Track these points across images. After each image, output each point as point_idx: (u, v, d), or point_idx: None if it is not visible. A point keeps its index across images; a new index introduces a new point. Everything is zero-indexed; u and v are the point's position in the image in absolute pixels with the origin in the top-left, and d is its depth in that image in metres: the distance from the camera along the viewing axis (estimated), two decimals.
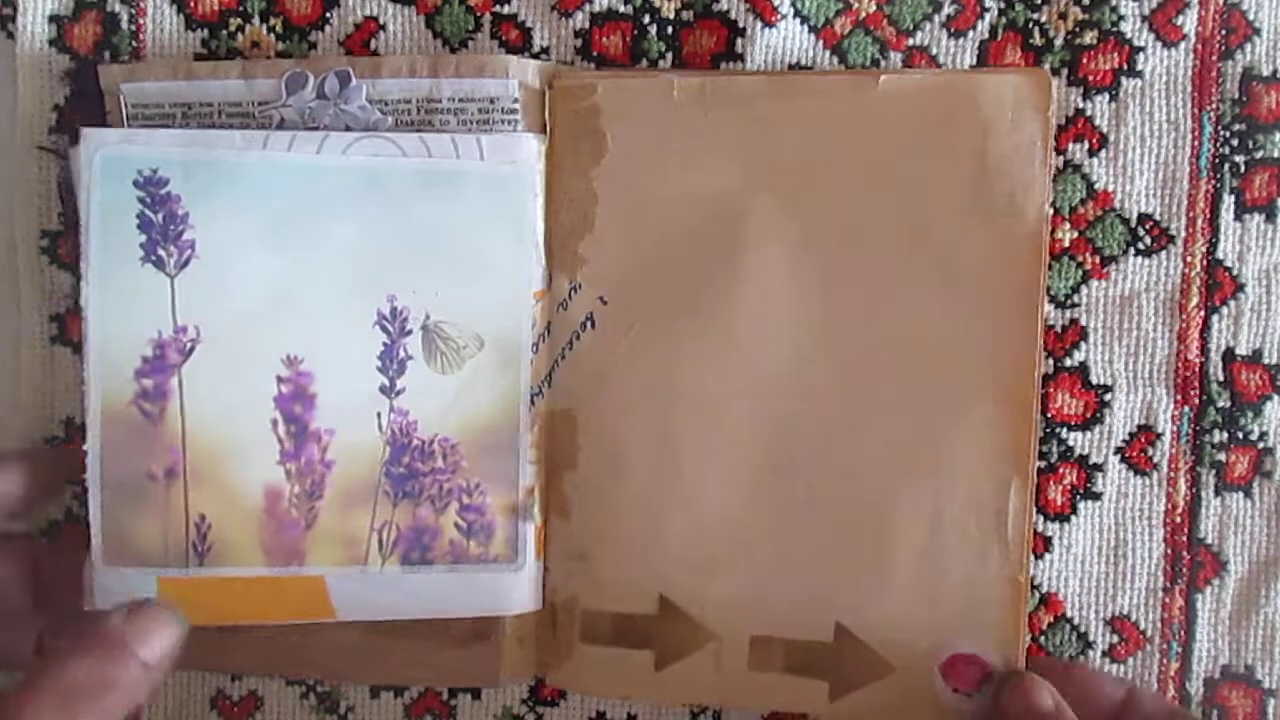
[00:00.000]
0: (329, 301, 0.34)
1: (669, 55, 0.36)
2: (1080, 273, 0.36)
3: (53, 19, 0.36)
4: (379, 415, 0.35)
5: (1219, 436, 0.36)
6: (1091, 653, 0.36)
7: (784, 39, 0.36)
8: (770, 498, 0.35)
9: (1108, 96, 0.36)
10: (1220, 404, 0.36)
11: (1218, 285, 0.36)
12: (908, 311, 0.34)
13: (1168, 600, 0.36)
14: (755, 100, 0.34)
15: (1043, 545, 0.36)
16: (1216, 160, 0.36)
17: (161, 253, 0.34)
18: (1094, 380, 0.36)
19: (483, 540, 0.35)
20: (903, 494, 0.34)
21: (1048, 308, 0.36)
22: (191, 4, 0.37)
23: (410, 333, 0.35)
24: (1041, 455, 0.36)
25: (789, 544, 0.35)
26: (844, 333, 0.34)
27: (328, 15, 0.37)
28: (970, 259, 0.34)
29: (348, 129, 0.34)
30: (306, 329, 0.34)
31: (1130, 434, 0.36)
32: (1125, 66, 0.36)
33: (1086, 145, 0.36)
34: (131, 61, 0.36)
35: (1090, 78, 0.36)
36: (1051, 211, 0.33)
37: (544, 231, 0.35)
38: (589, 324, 0.35)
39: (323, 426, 0.34)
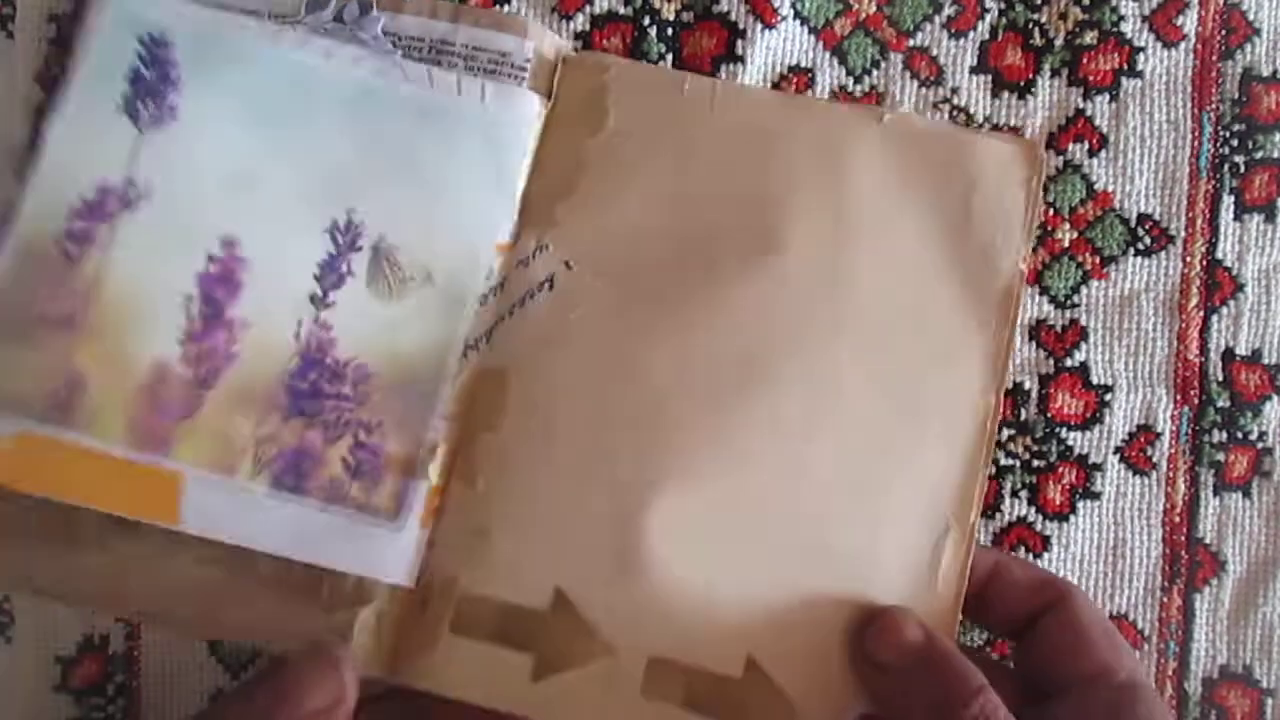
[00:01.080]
0: (287, 197, 0.33)
1: (669, 56, 0.36)
2: (1080, 273, 0.36)
3: (52, 18, 0.36)
4: (299, 322, 0.33)
5: (1218, 436, 0.36)
6: None
7: (784, 40, 0.36)
8: (702, 504, 0.32)
9: (1108, 96, 0.36)
10: (1220, 404, 0.36)
11: (1217, 285, 0.36)
12: (873, 344, 0.33)
13: (1166, 600, 0.36)
14: (761, 112, 0.34)
15: (1041, 544, 0.36)
16: (1216, 160, 0.36)
17: (141, 107, 0.33)
18: (1094, 380, 0.36)
19: (367, 485, 0.32)
20: (838, 528, 0.32)
21: (1047, 307, 0.36)
22: None
23: (359, 249, 0.33)
24: (1041, 455, 0.36)
25: (713, 558, 0.32)
26: (804, 354, 0.33)
27: None
28: (940, 307, 0.33)
29: None
30: (254, 216, 0.33)
31: (1130, 434, 0.36)
32: (1125, 66, 0.36)
33: (1086, 145, 0.36)
34: None
35: (1090, 78, 0.36)
36: (1025, 271, 0.33)
37: (523, 190, 0.34)
38: (548, 285, 0.33)
39: (239, 316, 0.32)
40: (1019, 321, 0.34)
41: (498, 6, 0.36)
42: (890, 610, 0.31)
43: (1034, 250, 0.36)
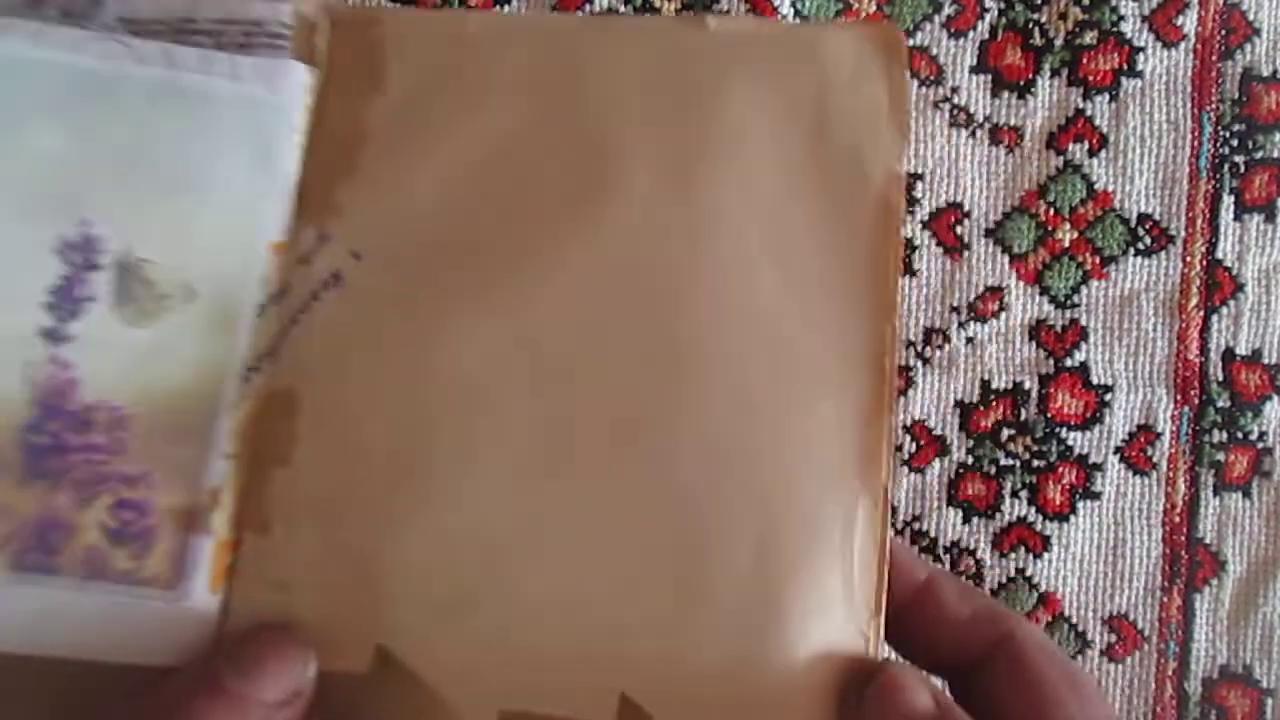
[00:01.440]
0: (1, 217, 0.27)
1: None
2: (1080, 273, 0.36)
3: None
4: (27, 364, 0.27)
5: (1218, 436, 0.36)
6: (1090, 651, 0.36)
7: None
8: (544, 512, 0.26)
9: (1108, 96, 0.36)
10: (1220, 404, 0.36)
11: (1217, 285, 0.36)
12: (732, 284, 0.27)
13: (1166, 600, 0.36)
14: (566, 42, 0.29)
15: (1041, 544, 0.36)
16: (1216, 160, 0.36)
17: None
18: (1094, 380, 0.36)
19: (136, 551, 0.26)
20: (719, 516, 0.26)
21: (1047, 307, 0.36)
22: None
23: (99, 267, 0.27)
24: (1041, 455, 0.36)
25: (565, 576, 0.26)
26: (652, 318, 0.27)
27: None
28: (809, 234, 0.28)
29: None
30: None
31: (1130, 434, 0.36)
32: (1125, 66, 0.36)
33: (1086, 145, 0.36)
34: None
35: (1090, 78, 0.36)
36: (903, 175, 0.28)
37: (297, 176, 0.29)
38: (335, 283, 0.28)
39: None
40: (901, 228, 0.28)
41: (497, 7, 0.36)
42: (891, 670, 0.25)
43: (1033, 248, 0.36)
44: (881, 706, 0.24)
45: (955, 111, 0.36)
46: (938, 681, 0.27)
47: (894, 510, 0.36)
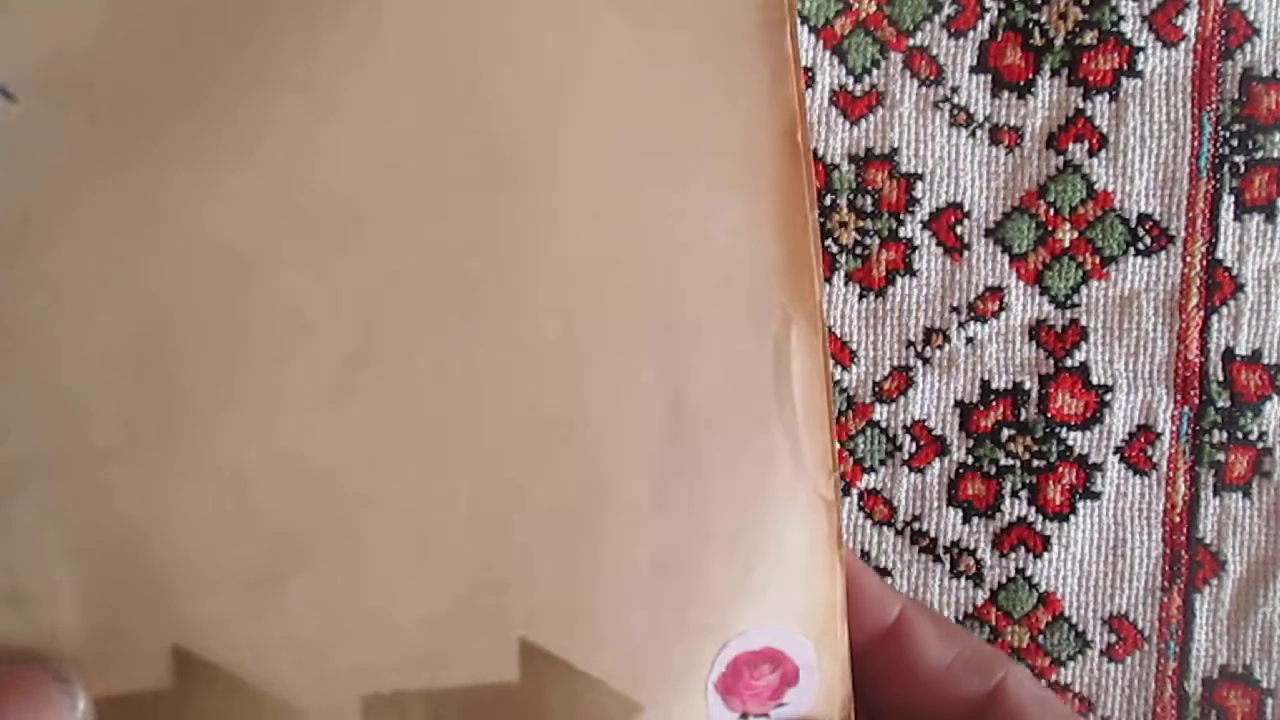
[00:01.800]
0: None
1: None
2: (1080, 273, 0.36)
3: None
4: None
5: (1218, 436, 0.36)
6: (1090, 652, 0.36)
7: None
8: (367, 424, 0.19)
9: (1108, 96, 0.36)
10: (1220, 404, 0.36)
11: (1217, 285, 0.36)
12: (564, 51, 0.20)
13: (1166, 600, 0.36)
14: None
15: (1041, 544, 0.36)
16: (1216, 160, 0.36)
17: None
18: (1094, 380, 0.36)
19: None
20: (606, 382, 0.20)
21: (1047, 307, 0.36)
22: None
23: None
24: (1041, 455, 0.36)
25: (414, 505, 0.19)
26: (459, 110, 0.19)
27: None
28: None
29: None
30: None
31: (1130, 434, 0.36)
32: (1125, 66, 0.36)
33: (1086, 145, 0.36)
34: None
35: (1090, 78, 0.36)
36: None
37: None
38: None
39: None
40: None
41: None
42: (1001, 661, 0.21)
43: (1033, 248, 0.36)
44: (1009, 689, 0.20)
45: (955, 111, 0.36)
46: None
47: (890, 504, 0.36)
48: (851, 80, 0.36)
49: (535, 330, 0.19)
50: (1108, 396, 0.36)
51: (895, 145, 0.36)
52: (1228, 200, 0.36)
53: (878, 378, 0.36)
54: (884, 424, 0.36)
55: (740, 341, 0.20)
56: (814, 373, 0.20)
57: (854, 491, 0.36)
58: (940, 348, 0.36)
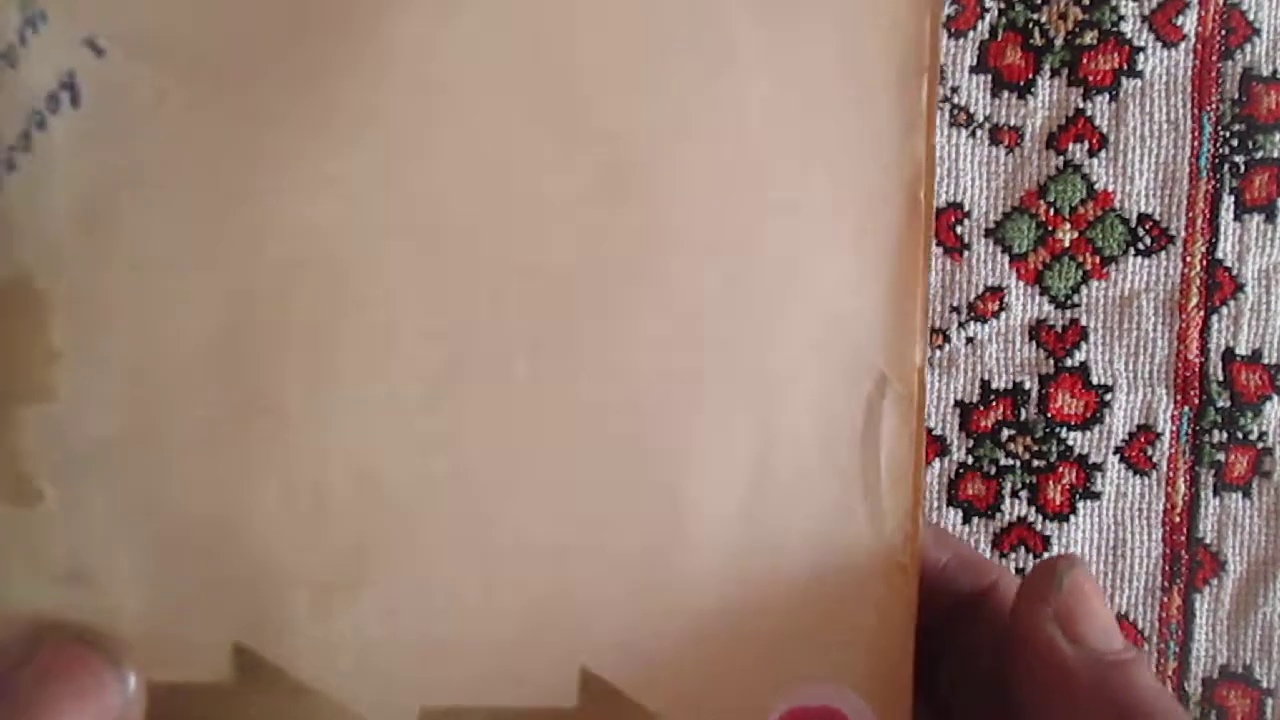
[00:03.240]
0: None
1: None
2: (1080, 273, 0.36)
3: None
4: None
5: (1218, 436, 0.36)
6: None
7: None
8: (449, 444, 0.19)
9: (1108, 96, 0.36)
10: (1220, 404, 0.36)
11: (1217, 285, 0.36)
12: (685, 80, 0.19)
13: (1166, 600, 0.36)
14: None
15: (1041, 544, 0.36)
16: (1216, 160, 0.36)
17: None
18: (1094, 380, 0.36)
19: None
20: (698, 425, 0.19)
21: (1047, 307, 0.36)
22: None
23: None
24: (1041, 455, 0.36)
25: (486, 524, 0.19)
26: (575, 126, 0.19)
27: None
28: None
29: None
30: None
31: (1130, 434, 0.36)
32: (1125, 66, 0.36)
33: (1086, 145, 0.36)
34: None
35: (1090, 78, 0.36)
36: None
37: None
38: (66, 97, 0.18)
39: None
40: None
41: None
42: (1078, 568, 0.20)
43: (1033, 248, 0.36)
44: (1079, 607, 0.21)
45: (955, 111, 0.36)
46: None
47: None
48: None
49: (634, 363, 0.19)
50: (1108, 396, 0.36)
51: None
52: (1228, 200, 0.36)
53: None
54: None
55: (833, 398, 0.20)
56: (904, 438, 0.20)
57: None
58: (940, 348, 0.36)
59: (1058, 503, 0.36)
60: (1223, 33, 0.36)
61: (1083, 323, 0.36)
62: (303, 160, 0.18)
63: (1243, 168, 0.36)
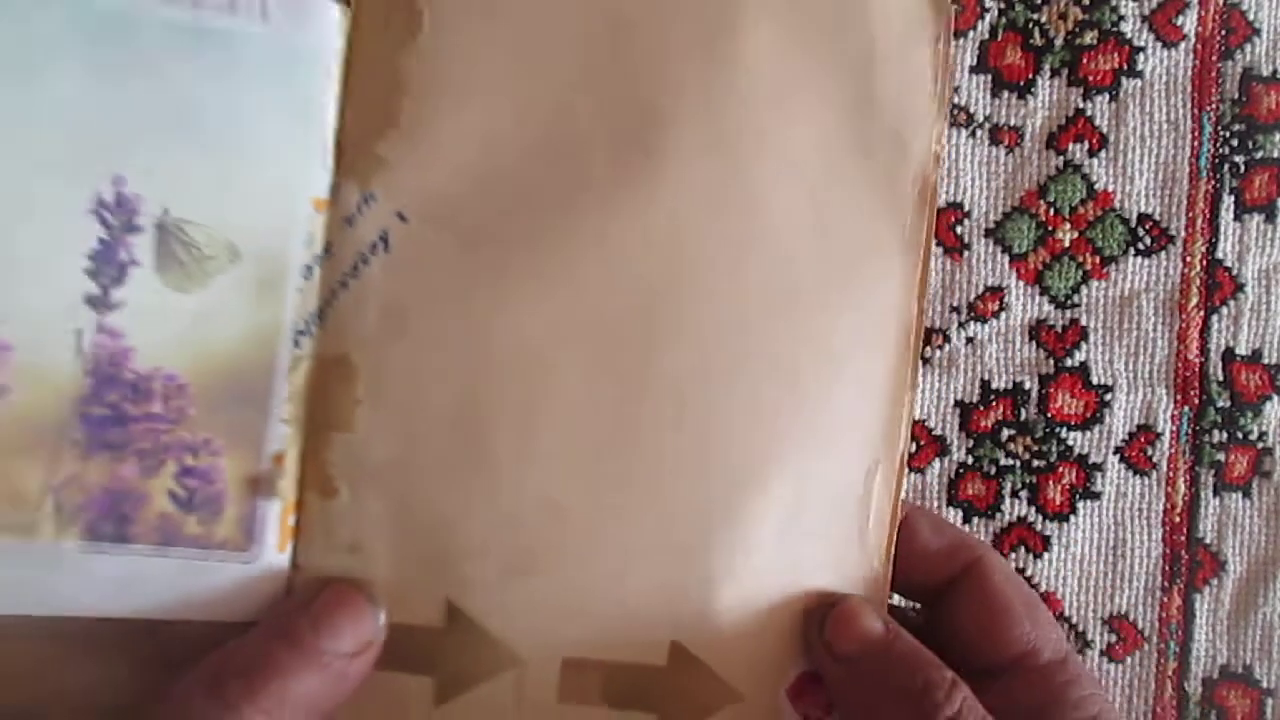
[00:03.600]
0: (28, 173, 0.25)
1: None
2: (1080, 273, 0.36)
3: None
4: (80, 334, 0.26)
5: (1218, 436, 0.36)
6: (1090, 651, 0.36)
7: None
8: (602, 479, 0.28)
9: (1108, 96, 0.36)
10: (1220, 404, 0.36)
11: (1217, 285, 0.36)
12: (778, 266, 0.28)
13: (1166, 600, 0.36)
14: None
15: (1041, 544, 0.36)
16: (1216, 160, 0.36)
17: None
18: (1094, 380, 0.36)
19: (206, 517, 0.27)
20: (760, 479, 0.28)
21: (1047, 308, 0.36)
22: None
23: (140, 229, 0.26)
24: (1041, 455, 0.36)
25: (620, 538, 0.28)
26: (703, 275, 0.28)
27: None
28: (848, 209, 0.29)
29: None
30: None
31: (1130, 434, 0.36)
32: (1125, 66, 0.36)
33: (1086, 145, 0.36)
34: None
35: (1090, 78, 0.36)
36: (941, 155, 0.29)
37: (335, 127, 0.28)
38: (381, 246, 0.27)
39: None
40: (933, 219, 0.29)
41: None
42: (848, 600, 0.28)
43: (1033, 248, 0.36)
44: (839, 628, 0.28)
45: (955, 111, 0.36)
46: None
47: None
48: None
49: (721, 445, 0.28)
50: (1108, 396, 0.36)
51: None
52: (1228, 200, 0.36)
53: None
54: None
55: (845, 470, 0.29)
56: (887, 499, 0.29)
57: None
58: (940, 348, 0.36)
59: (1058, 503, 0.36)
60: (1223, 33, 0.36)
61: (1083, 323, 0.36)
62: (522, 290, 0.28)
63: (1243, 168, 0.36)
